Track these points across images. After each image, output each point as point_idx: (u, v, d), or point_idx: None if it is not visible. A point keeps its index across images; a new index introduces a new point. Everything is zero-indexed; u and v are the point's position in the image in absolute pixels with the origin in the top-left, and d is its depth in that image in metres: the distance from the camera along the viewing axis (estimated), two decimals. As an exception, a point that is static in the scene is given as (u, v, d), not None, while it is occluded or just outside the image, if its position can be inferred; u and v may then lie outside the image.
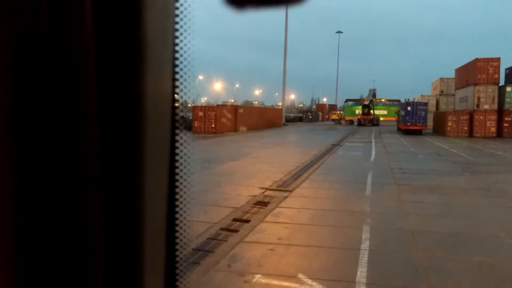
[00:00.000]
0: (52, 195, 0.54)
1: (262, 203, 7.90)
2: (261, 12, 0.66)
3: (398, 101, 55.66)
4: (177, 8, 0.66)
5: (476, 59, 32.57)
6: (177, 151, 0.71)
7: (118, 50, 0.55)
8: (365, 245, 5.47)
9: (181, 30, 0.67)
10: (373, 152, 18.61)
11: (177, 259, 0.74)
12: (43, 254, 0.54)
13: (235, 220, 6.65)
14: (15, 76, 0.52)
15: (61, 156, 0.54)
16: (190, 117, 29.44)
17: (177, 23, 0.66)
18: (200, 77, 71.45)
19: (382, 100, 62.72)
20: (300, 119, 69.23)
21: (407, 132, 34.11)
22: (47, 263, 0.55)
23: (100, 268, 0.57)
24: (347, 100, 67.28)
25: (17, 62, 0.51)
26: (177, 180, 0.72)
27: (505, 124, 31.25)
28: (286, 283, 4.26)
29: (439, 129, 35.20)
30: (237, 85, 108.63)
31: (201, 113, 30.20)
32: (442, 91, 45.20)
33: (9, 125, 0.52)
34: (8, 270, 0.54)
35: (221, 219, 6.70)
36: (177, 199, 0.72)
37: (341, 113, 68.06)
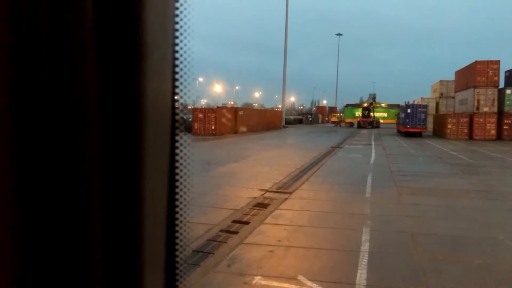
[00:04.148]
0: (52, 195, 0.54)
1: (262, 205, 7.89)
2: None
3: (398, 106, 55.62)
4: (177, 9, 0.66)
5: (476, 61, 32.56)
6: (177, 152, 0.71)
7: (118, 50, 0.55)
8: (365, 247, 5.46)
9: (181, 31, 0.67)
10: (373, 155, 18.60)
11: (177, 260, 0.74)
12: (43, 254, 0.54)
13: (235, 221, 6.64)
14: (15, 76, 0.52)
15: (61, 156, 0.54)
16: (190, 119, 29.44)
17: (177, 23, 0.66)
18: (200, 79, 71.44)
19: (382, 105, 62.96)
20: (300, 121, 69.27)
21: (407, 135, 34.12)
22: (47, 262, 0.55)
23: (100, 268, 0.57)
24: (347, 105, 67.48)
25: (17, 62, 0.51)
26: (177, 181, 0.72)
27: (504, 127, 31.25)
28: (286, 285, 4.25)
29: (439, 132, 35.19)
30: (237, 87, 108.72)
31: (201, 115, 30.22)
32: (442, 94, 45.24)
33: (9, 125, 0.52)
34: (8, 270, 0.54)
35: (221, 220, 6.69)
36: (177, 200, 0.72)
37: (341, 115, 68.17)
